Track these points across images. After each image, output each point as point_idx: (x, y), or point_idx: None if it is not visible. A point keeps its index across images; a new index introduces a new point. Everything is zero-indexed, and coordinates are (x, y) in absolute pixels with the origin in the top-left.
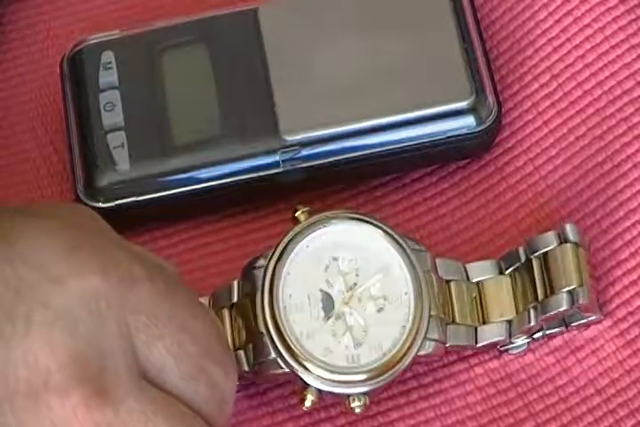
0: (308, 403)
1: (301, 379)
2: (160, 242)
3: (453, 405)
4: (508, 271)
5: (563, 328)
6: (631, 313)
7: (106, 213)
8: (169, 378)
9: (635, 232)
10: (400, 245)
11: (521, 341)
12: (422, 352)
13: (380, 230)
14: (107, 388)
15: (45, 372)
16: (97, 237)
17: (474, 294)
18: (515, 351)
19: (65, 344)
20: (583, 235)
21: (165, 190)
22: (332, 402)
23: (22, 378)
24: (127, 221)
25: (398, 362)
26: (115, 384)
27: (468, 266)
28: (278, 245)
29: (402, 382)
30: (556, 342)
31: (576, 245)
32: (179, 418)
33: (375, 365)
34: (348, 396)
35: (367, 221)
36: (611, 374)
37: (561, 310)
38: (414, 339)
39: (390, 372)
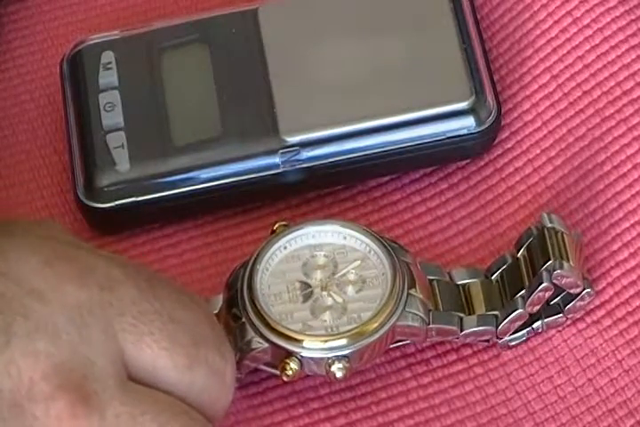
0: (289, 372)
1: (282, 349)
2: (160, 242)
3: (453, 405)
4: (494, 276)
5: (561, 316)
6: (630, 313)
7: (106, 214)
8: (163, 372)
9: (634, 233)
10: (374, 236)
11: (519, 332)
12: (403, 322)
13: (354, 226)
14: (91, 394)
15: (29, 382)
16: (71, 247)
17: (459, 293)
18: (514, 343)
19: (47, 354)
20: (562, 221)
21: (165, 191)
22: (331, 402)
23: (6, 389)
24: (127, 221)
25: (377, 329)
26: (100, 390)
27: (453, 271)
28: (256, 248)
29: (401, 382)
30: (555, 340)
31: (553, 229)
32: (168, 414)
33: (355, 331)
34: (329, 361)
35: (340, 222)
36: (610, 373)
37: (542, 286)
38: (392, 309)
39: (370, 338)
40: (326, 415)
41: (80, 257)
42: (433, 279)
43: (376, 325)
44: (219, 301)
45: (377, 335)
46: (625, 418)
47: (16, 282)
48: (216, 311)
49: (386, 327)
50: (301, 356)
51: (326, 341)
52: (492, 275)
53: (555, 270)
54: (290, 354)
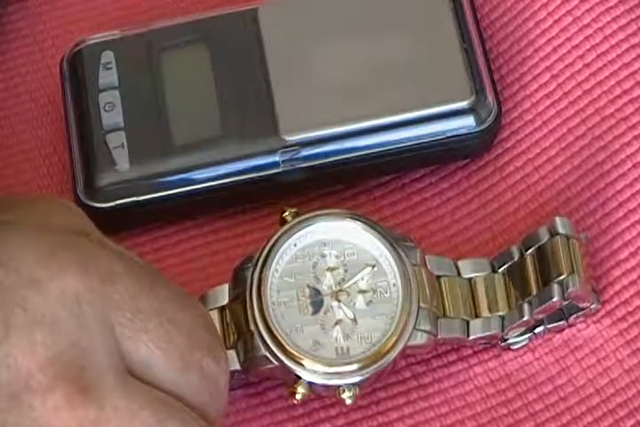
0: (299, 396)
1: (292, 372)
2: (160, 242)
3: (453, 405)
4: (500, 270)
5: (563, 322)
6: (630, 313)
7: (106, 213)
8: (157, 371)
9: (634, 232)
10: (387, 240)
11: (522, 336)
12: (412, 342)
13: (366, 226)
14: (89, 386)
15: (26, 373)
16: (74, 236)
17: (465, 290)
18: (516, 347)
19: (45, 345)
20: (574, 227)
21: (165, 190)
22: (331, 402)
23: (3, 380)
24: (127, 221)
25: (388, 352)
26: (98, 382)
27: (459, 263)
28: (266, 244)
29: (401, 382)
30: (556, 341)
31: (566, 237)
32: (166, 411)
33: (365, 355)
34: (339, 387)
35: (353, 218)
36: (610, 373)
37: (553, 300)
38: (403, 329)
39: (380, 362)
40: (326, 415)
41: (83, 249)
42: (441, 276)
43: (387, 348)
44: (224, 292)
45: (387, 360)
46: (625, 418)
47: (16, 271)
48: (223, 304)
49: (396, 350)
50: (308, 382)
51: (336, 365)
52: (499, 267)
53: (567, 286)
54: (298, 377)
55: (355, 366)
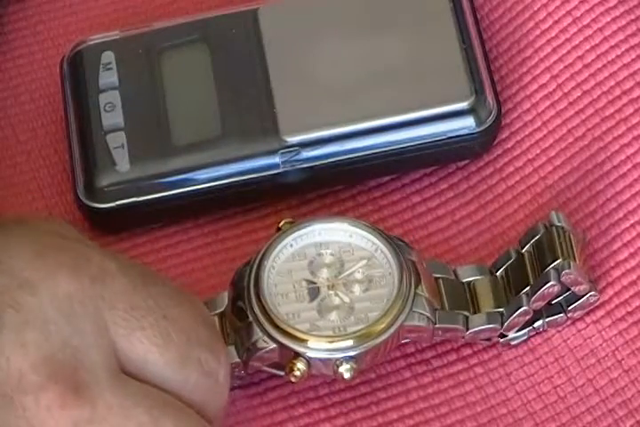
0: (297, 372)
1: (290, 349)
2: (160, 242)
3: (453, 405)
4: (499, 273)
5: (562, 315)
6: (630, 313)
7: (106, 214)
8: (155, 368)
9: (634, 233)
10: (382, 235)
11: (521, 331)
12: (410, 322)
13: (361, 225)
14: (82, 385)
15: (18, 373)
16: (66, 239)
17: (464, 291)
18: (516, 342)
19: (37, 345)
20: (568, 220)
21: (165, 191)
22: (331, 403)
23: None
24: (127, 222)
25: (385, 330)
26: (91, 381)
27: (457, 268)
28: (263, 246)
29: (401, 382)
30: (555, 341)
31: (561, 228)
32: (161, 408)
33: (362, 332)
34: (337, 362)
35: (348, 221)
36: (609, 373)
37: (549, 284)
38: (400, 309)
39: (378, 338)
40: (326, 415)
41: (74, 249)
42: (438, 277)
43: (383, 325)
44: (224, 298)
45: (384, 336)
46: (625, 418)
47: (8, 273)
48: (222, 310)
49: (393, 328)
50: (308, 356)
51: (332, 341)
52: (496, 271)
53: (563, 270)
54: (297, 355)
55: (350, 342)
